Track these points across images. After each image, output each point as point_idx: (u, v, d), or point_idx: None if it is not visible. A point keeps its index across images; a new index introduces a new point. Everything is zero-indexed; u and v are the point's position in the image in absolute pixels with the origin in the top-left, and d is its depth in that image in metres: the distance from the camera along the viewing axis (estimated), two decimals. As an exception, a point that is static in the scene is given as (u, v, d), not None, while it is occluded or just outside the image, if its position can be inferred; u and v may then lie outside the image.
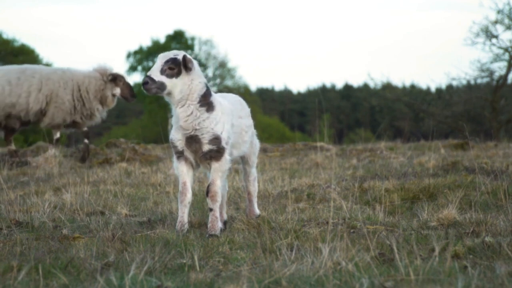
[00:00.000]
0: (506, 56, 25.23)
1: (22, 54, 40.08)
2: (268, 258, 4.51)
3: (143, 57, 51.39)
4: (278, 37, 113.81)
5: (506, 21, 24.75)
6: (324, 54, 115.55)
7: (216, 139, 5.51)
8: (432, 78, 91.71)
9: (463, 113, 26.82)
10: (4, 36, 42.32)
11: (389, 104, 35.62)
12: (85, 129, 12.27)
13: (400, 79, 46.82)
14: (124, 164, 11.13)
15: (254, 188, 6.24)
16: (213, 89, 5.90)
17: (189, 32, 62.22)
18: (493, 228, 5.37)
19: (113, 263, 4.53)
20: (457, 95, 27.99)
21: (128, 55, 52.03)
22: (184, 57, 5.45)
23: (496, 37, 24.90)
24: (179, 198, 5.66)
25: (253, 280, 3.96)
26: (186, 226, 5.64)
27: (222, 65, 52.08)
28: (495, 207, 6.56)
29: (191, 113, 5.49)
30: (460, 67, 43.65)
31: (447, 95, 28.67)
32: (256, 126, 6.32)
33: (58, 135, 12.35)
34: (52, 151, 11.64)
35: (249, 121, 6.07)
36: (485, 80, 27.22)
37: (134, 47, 57.12)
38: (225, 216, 6.01)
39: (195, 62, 5.54)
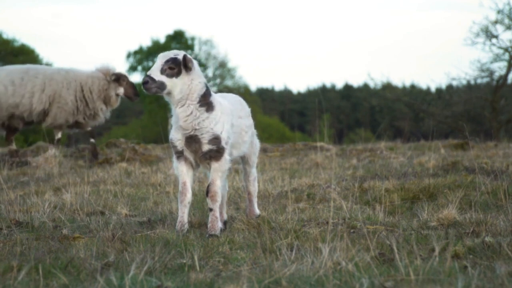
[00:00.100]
0: (506, 56, 25.24)
1: (22, 54, 40.09)
2: (268, 258, 4.51)
3: (143, 57, 51.39)
4: (278, 37, 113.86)
5: (506, 21, 24.76)
6: (324, 54, 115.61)
7: (215, 139, 5.51)
8: (432, 78, 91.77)
9: (463, 113, 26.83)
10: (4, 36, 42.34)
11: (389, 104, 35.64)
12: (90, 128, 12.27)
13: (400, 79, 46.86)
14: (124, 164, 11.13)
15: (254, 188, 6.24)
16: (213, 89, 5.90)
17: (189, 32, 62.26)
18: (493, 228, 5.37)
19: (113, 263, 4.53)
20: (457, 95, 28.00)
21: (128, 55, 52.04)
22: (185, 56, 5.46)
23: (496, 37, 24.91)
24: (179, 198, 5.66)
25: (253, 280, 3.96)
26: (186, 226, 5.64)
27: (222, 65, 52.09)
28: (495, 207, 6.56)
29: (191, 113, 5.49)
30: (460, 67, 43.69)
31: (447, 95, 28.67)
32: (256, 126, 6.32)
33: (59, 135, 12.35)
34: (52, 151, 11.63)
35: (249, 121, 6.07)
36: (485, 80, 27.24)
37: (134, 47, 57.15)
38: (225, 216, 6.01)
39: (195, 62, 5.54)
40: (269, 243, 4.86)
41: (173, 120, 5.62)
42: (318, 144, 14.40)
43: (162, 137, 12.73)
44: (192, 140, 5.53)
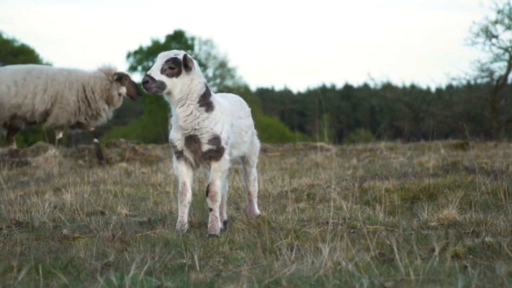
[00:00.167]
0: (506, 56, 25.24)
1: (22, 54, 40.10)
2: (268, 258, 4.51)
3: (143, 57, 51.39)
4: (278, 37, 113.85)
5: (506, 21, 24.75)
6: (324, 54, 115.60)
7: (215, 139, 5.51)
8: (432, 78, 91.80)
9: (463, 113, 26.82)
10: (4, 36, 42.36)
11: (389, 104, 35.63)
12: (92, 129, 12.26)
13: (400, 79, 46.82)
14: (124, 164, 11.13)
15: (254, 188, 6.24)
16: (213, 89, 5.91)
17: (189, 32, 62.26)
18: (493, 228, 5.37)
19: (113, 263, 4.53)
20: (457, 95, 27.99)
21: (128, 55, 52.04)
22: (185, 56, 5.46)
23: (496, 37, 24.91)
24: (179, 198, 5.66)
25: (253, 280, 3.96)
26: (186, 226, 5.64)
27: (222, 65, 52.09)
28: (495, 207, 6.56)
29: (191, 113, 5.49)
30: (460, 67, 43.71)
31: (447, 95, 28.67)
32: (256, 126, 6.31)
33: (60, 135, 12.34)
34: (52, 151, 11.63)
35: (249, 121, 6.06)
36: (485, 80, 27.24)
37: (134, 47, 57.14)
38: (225, 216, 6.01)
39: (195, 62, 5.55)
40: (269, 243, 4.86)
41: (172, 120, 5.62)
42: (318, 144, 14.40)
43: (162, 137, 12.72)
44: (191, 140, 5.53)
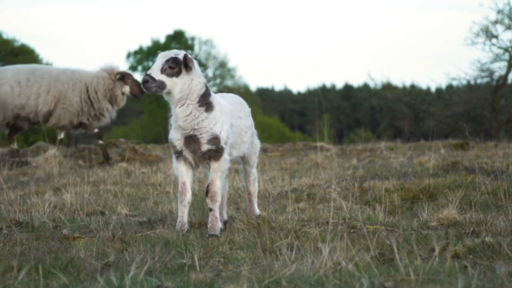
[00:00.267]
0: (506, 56, 25.23)
1: (22, 54, 40.10)
2: (268, 258, 4.51)
3: (143, 57, 51.38)
4: (278, 37, 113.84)
5: (506, 21, 24.75)
6: (324, 54, 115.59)
7: (215, 139, 5.51)
8: (432, 78, 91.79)
9: (463, 113, 26.82)
10: (4, 36, 42.35)
11: (389, 104, 35.65)
12: (96, 130, 12.24)
13: (400, 79, 46.80)
14: (124, 164, 11.13)
15: (254, 188, 6.24)
16: (213, 89, 5.91)
17: (189, 32, 62.26)
18: (493, 228, 5.37)
19: (113, 263, 4.53)
20: (457, 95, 27.99)
21: (128, 55, 52.04)
22: (185, 56, 5.46)
23: (496, 37, 24.91)
24: (179, 198, 5.65)
25: (253, 280, 3.96)
26: (186, 226, 5.64)
27: (222, 65, 52.08)
28: (495, 207, 6.56)
29: (190, 112, 5.49)
30: (460, 67, 43.68)
31: (447, 95, 28.67)
32: (256, 126, 6.31)
33: (62, 135, 12.34)
34: (52, 151, 11.63)
35: (249, 122, 6.06)
36: (485, 80, 27.23)
37: (134, 47, 57.12)
38: (225, 216, 6.01)
39: (195, 62, 5.55)
40: (269, 243, 4.86)
41: (172, 120, 5.62)
42: (318, 144, 14.40)
43: (162, 137, 12.73)
44: (191, 140, 5.53)
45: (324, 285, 3.91)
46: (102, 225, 5.94)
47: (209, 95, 5.56)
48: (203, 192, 7.49)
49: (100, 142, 12.18)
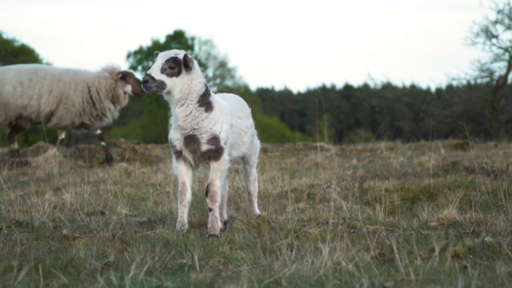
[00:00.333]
0: (506, 56, 25.23)
1: (22, 54, 40.09)
2: (268, 258, 4.51)
3: (143, 57, 51.37)
4: (278, 37, 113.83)
5: (506, 21, 24.75)
6: (324, 54, 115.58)
7: (214, 139, 5.51)
8: (432, 78, 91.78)
9: (463, 113, 26.82)
10: (4, 36, 42.35)
11: (389, 104, 35.65)
12: (99, 132, 12.22)
13: (400, 79, 46.80)
14: (124, 164, 11.13)
15: (254, 188, 6.24)
16: (213, 89, 5.91)
17: (189, 32, 62.23)
18: (493, 228, 5.37)
19: (113, 263, 4.53)
20: (457, 95, 27.99)
21: (128, 55, 52.03)
22: (185, 56, 5.46)
23: (496, 37, 24.90)
24: (179, 198, 5.65)
25: (253, 280, 3.96)
26: (186, 226, 5.64)
27: (222, 65, 52.07)
28: (495, 207, 6.56)
29: (190, 112, 5.49)
30: (460, 67, 43.71)
31: (447, 95, 28.67)
32: (256, 126, 6.31)
33: (63, 135, 12.34)
34: (52, 151, 11.63)
35: (249, 122, 6.06)
36: (485, 80, 27.24)
37: (134, 47, 57.11)
38: (225, 216, 6.01)
39: (195, 62, 5.55)
40: (269, 243, 4.86)
41: (172, 120, 5.62)
42: (318, 144, 14.40)
43: (162, 137, 12.73)
44: (190, 140, 5.53)
45: (324, 285, 3.91)
46: (102, 225, 5.94)
47: (209, 95, 5.56)
48: (203, 192, 7.49)
49: (103, 143, 12.16)
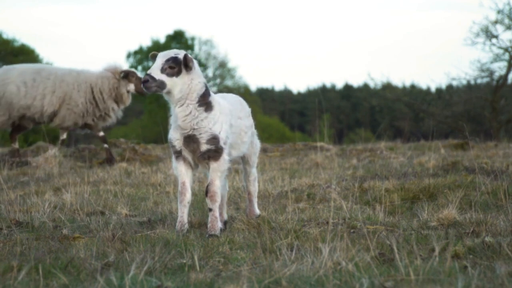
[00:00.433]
0: (506, 56, 25.23)
1: (22, 54, 40.08)
2: (268, 258, 4.51)
3: (143, 57, 51.36)
4: (278, 37, 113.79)
5: (506, 21, 24.75)
6: (324, 54, 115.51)
7: (214, 139, 5.51)
8: (432, 78, 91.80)
9: (463, 113, 26.82)
10: (4, 36, 42.34)
11: (389, 104, 35.63)
12: (102, 134, 12.21)
13: (400, 79, 46.78)
14: (124, 164, 11.13)
15: (254, 188, 6.24)
16: (213, 89, 5.91)
17: (189, 32, 62.22)
18: (493, 228, 5.37)
19: (113, 263, 4.53)
20: (457, 95, 27.98)
21: (128, 55, 52.04)
22: (185, 56, 5.46)
23: (496, 37, 24.90)
24: (179, 198, 5.65)
25: (253, 280, 3.96)
26: (186, 226, 5.64)
27: (222, 65, 52.06)
28: (495, 207, 6.56)
29: (190, 112, 5.49)
30: (460, 67, 43.68)
31: (447, 95, 28.66)
32: (256, 126, 6.31)
33: (64, 136, 12.34)
34: (52, 151, 11.63)
35: (249, 122, 6.06)
36: (485, 80, 27.23)
37: (134, 47, 57.10)
38: (225, 216, 6.01)
39: (195, 62, 5.55)
40: (269, 243, 4.86)
41: (171, 120, 5.62)
42: (318, 144, 14.40)
43: (162, 137, 12.73)
44: (190, 139, 5.53)
45: (324, 285, 3.91)
46: (102, 225, 5.94)
47: (209, 95, 5.56)
48: (203, 192, 7.49)
49: (105, 145, 12.16)
